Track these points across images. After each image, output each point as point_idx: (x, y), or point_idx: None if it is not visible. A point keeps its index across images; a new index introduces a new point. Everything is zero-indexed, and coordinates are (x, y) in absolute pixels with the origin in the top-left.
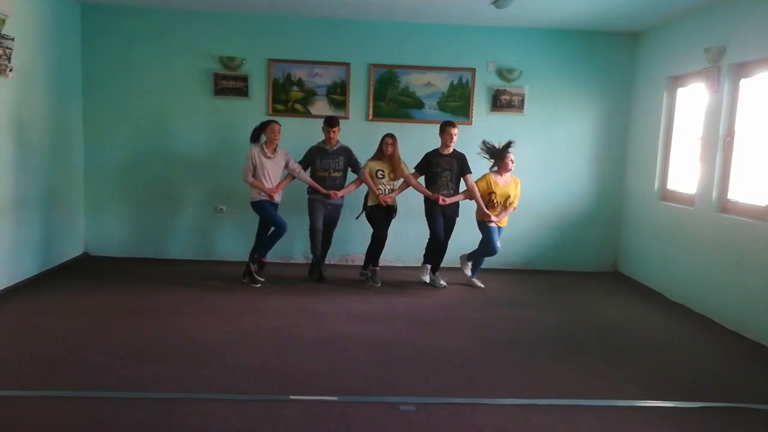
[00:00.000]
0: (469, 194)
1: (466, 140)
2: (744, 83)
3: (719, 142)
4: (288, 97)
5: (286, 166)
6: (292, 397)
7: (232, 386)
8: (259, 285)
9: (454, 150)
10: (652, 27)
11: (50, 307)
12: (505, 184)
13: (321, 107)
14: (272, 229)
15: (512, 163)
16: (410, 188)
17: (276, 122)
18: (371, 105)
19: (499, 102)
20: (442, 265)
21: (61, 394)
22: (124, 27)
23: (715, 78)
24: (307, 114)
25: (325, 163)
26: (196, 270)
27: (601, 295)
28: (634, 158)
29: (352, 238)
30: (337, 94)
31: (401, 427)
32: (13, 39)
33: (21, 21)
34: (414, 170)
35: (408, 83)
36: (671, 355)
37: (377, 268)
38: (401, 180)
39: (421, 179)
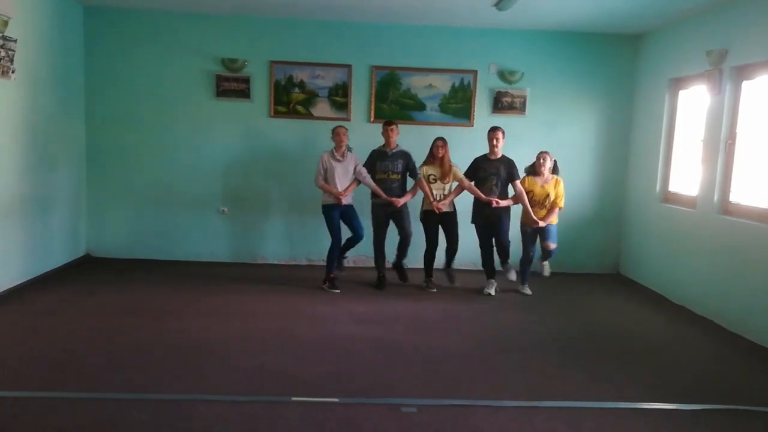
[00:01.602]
0: (517, 199)
1: (467, 142)
2: (746, 86)
3: (721, 145)
4: (290, 98)
5: (355, 169)
6: (293, 398)
7: (233, 387)
8: (338, 292)
9: (503, 156)
10: (653, 29)
11: (52, 309)
12: (545, 183)
13: (323, 109)
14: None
15: (543, 163)
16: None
17: (341, 126)
18: (373, 107)
19: (500, 104)
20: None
21: (63, 395)
22: (127, 29)
23: (716, 80)
24: (309, 116)
25: (384, 166)
26: (198, 271)
27: (603, 297)
28: (636, 160)
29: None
30: (339, 96)
31: (402, 428)
32: (15, 41)
33: (23, 23)
34: (463, 175)
35: (409, 85)
36: (673, 358)
37: (432, 278)
38: (455, 184)
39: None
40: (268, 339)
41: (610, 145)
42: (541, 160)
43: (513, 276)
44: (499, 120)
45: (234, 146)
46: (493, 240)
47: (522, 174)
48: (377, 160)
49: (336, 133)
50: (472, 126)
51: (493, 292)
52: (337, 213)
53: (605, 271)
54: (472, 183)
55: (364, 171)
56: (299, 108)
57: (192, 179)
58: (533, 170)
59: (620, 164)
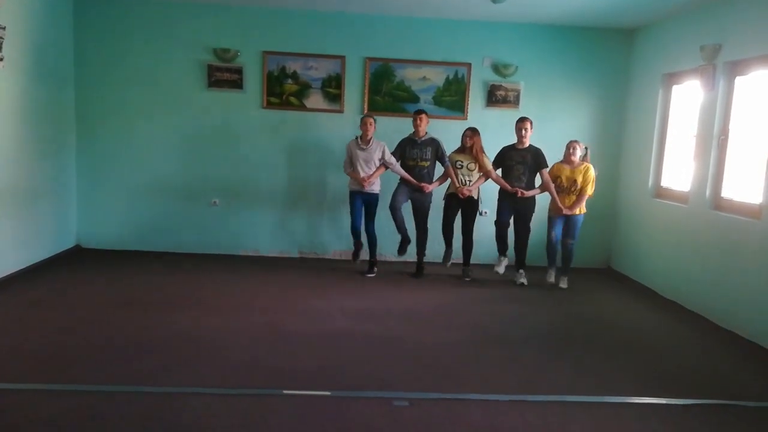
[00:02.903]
0: (545, 188)
1: (461, 135)
2: (739, 81)
3: (714, 140)
4: (282, 89)
5: (383, 157)
6: (285, 391)
7: (224, 381)
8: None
9: (530, 145)
10: (647, 24)
11: (41, 300)
12: (572, 170)
13: (316, 100)
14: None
15: (573, 152)
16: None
17: (369, 116)
18: (366, 99)
19: (494, 97)
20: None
21: (52, 388)
22: (117, 17)
23: (710, 76)
24: (302, 107)
25: (414, 153)
26: (189, 263)
27: (595, 291)
28: (629, 155)
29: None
30: (332, 88)
31: (394, 422)
32: (4, 28)
33: (12, 10)
34: (492, 164)
35: (403, 77)
36: (663, 352)
37: (449, 252)
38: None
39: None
40: (259, 332)
41: (603, 140)
42: (571, 150)
43: (501, 270)
44: (492, 113)
45: (226, 137)
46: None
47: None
48: (407, 148)
49: (363, 123)
50: (466, 119)
51: (501, 270)
52: (359, 199)
53: (597, 266)
54: (499, 171)
55: (393, 159)
56: (292, 99)
57: (183, 170)
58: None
59: (613, 159)
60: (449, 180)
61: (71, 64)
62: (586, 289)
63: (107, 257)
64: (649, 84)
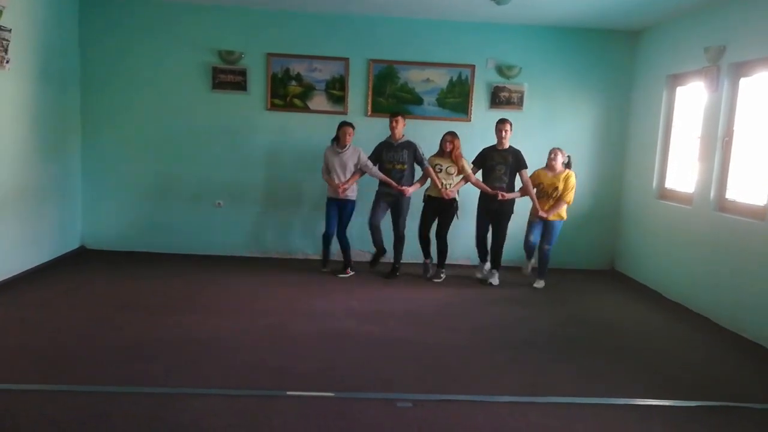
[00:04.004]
0: (524, 190)
1: (464, 137)
2: (743, 83)
3: (718, 142)
4: (287, 91)
5: (358, 162)
6: (288, 392)
7: (228, 382)
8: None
9: (510, 146)
10: (651, 25)
11: (46, 301)
12: (554, 176)
13: (320, 102)
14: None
15: (554, 158)
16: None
17: (349, 126)
18: (370, 100)
19: (498, 99)
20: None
21: (56, 389)
22: (123, 19)
23: (714, 77)
24: (306, 109)
25: (390, 156)
26: (194, 265)
27: (598, 293)
28: (633, 157)
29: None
30: (336, 90)
31: (398, 423)
32: (9, 30)
33: (18, 12)
34: (471, 165)
35: (407, 79)
36: (667, 354)
37: (430, 263)
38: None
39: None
40: (263, 333)
41: (607, 141)
42: (552, 155)
43: (484, 274)
44: (496, 115)
45: (230, 139)
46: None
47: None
48: (383, 151)
49: (342, 132)
50: (470, 120)
51: (480, 276)
52: (334, 206)
53: (601, 267)
54: (480, 172)
55: (369, 162)
56: (296, 101)
57: (188, 172)
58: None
59: (617, 160)
60: (429, 182)
61: (76, 66)
62: (589, 291)
63: (112, 258)
64: (654, 85)
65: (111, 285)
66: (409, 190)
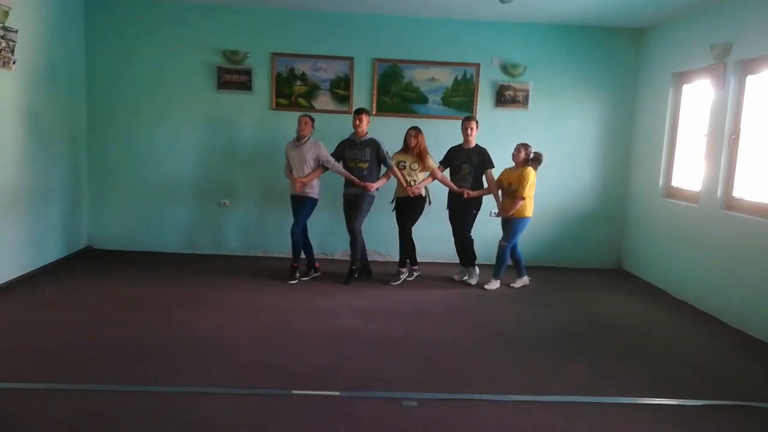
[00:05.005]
0: (489, 189)
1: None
2: (750, 80)
3: (724, 140)
4: (291, 91)
5: (318, 157)
6: (293, 391)
7: (233, 380)
8: (294, 282)
9: (476, 145)
10: (657, 23)
11: (53, 300)
12: (512, 172)
13: (324, 102)
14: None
15: (517, 154)
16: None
17: (305, 116)
18: (375, 100)
19: (503, 97)
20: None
21: (63, 387)
22: (128, 20)
23: (720, 74)
24: (311, 108)
25: (353, 154)
26: (200, 264)
27: (605, 292)
28: (639, 155)
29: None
30: (341, 89)
31: (403, 422)
32: (16, 31)
33: (24, 13)
34: (439, 164)
35: (412, 78)
36: (674, 353)
37: (404, 270)
38: (427, 173)
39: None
40: (268, 332)
41: (613, 140)
42: (515, 151)
43: (474, 279)
44: (501, 113)
45: (235, 139)
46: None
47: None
48: (346, 149)
49: (298, 121)
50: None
51: (472, 281)
52: (294, 202)
53: (607, 266)
54: (447, 170)
55: (330, 158)
56: (301, 101)
57: (193, 171)
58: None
59: (623, 159)
60: (395, 185)
61: (82, 66)
62: (596, 290)
63: (118, 258)
64: (660, 83)
65: (117, 284)
66: (373, 186)
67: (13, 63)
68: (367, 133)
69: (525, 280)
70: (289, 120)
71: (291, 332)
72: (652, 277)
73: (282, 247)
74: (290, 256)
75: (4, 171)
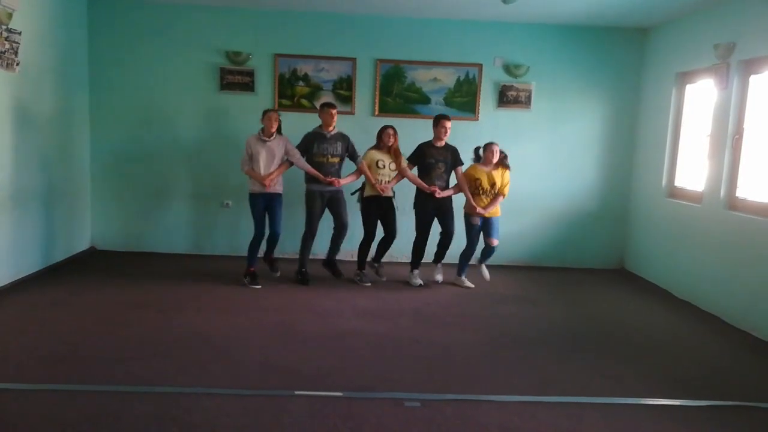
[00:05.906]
0: (459, 188)
1: (472, 136)
2: (753, 80)
3: (728, 140)
4: (294, 92)
5: (286, 153)
6: (296, 392)
7: (236, 381)
8: (260, 287)
9: (447, 143)
10: (660, 23)
11: (56, 301)
12: (491, 172)
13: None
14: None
15: (495, 154)
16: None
17: (274, 111)
18: (377, 100)
19: (505, 98)
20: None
21: (67, 388)
22: (131, 21)
23: (724, 74)
24: (313, 109)
25: (323, 148)
26: (203, 265)
27: (608, 292)
28: (642, 155)
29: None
30: (344, 89)
31: (406, 423)
32: (20, 33)
33: (27, 15)
34: (407, 161)
35: (414, 79)
36: (677, 353)
37: (370, 267)
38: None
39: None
40: (271, 332)
41: (616, 140)
42: (489, 151)
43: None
44: (504, 114)
45: (238, 139)
46: (440, 229)
47: (469, 162)
48: (315, 142)
49: (266, 118)
50: (477, 120)
51: (418, 281)
52: (261, 201)
53: (610, 266)
54: (415, 168)
55: (298, 153)
56: (304, 101)
57: (196, 172)
58: (479, 159)
59: (626, 158)
60: (363, 183)
61: (85, 67)
62: (599, 290)
63: (121, 259)
64: (663, 83)
65: (121, 285)
66: (341, 182)
67: (17, 65)
68: (335, 126)
69: (463, 280)
70: (292, 121)
71: (294, 333)
72: (655, 277)
73: (285, 248)
74: (293, 257)
75: (8, 172)
